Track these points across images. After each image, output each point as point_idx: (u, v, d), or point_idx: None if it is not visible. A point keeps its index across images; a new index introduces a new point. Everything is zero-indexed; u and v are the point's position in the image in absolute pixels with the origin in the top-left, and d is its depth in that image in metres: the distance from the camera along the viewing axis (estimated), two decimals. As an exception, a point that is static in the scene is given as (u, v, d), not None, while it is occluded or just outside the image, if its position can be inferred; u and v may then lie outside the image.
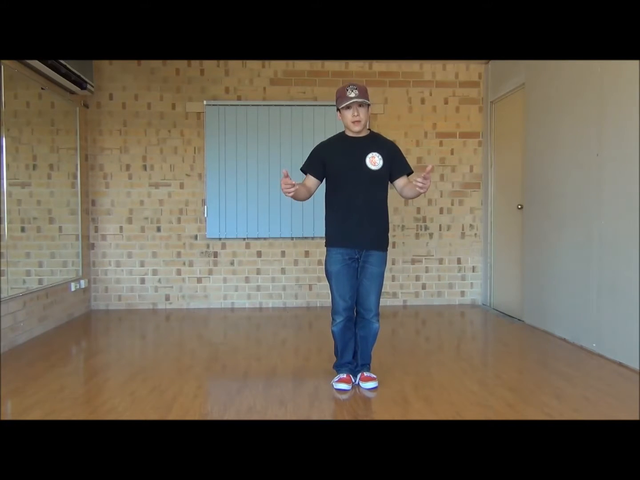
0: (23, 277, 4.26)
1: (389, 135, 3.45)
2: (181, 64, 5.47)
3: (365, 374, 3.00)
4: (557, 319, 4.16)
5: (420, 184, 2.70)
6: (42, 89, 4.42)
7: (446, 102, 5.68)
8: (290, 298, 5.62)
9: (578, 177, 3.88)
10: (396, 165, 2.94)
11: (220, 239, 5.53)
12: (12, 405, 2.71)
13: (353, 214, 2.87)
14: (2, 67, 3.77)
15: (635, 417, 2.49)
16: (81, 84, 4.81)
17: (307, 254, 5.60)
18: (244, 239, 5.55)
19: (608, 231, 3.54)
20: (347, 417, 2.54)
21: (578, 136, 3.88)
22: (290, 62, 5.54)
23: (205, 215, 5.47)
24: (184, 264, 5.53)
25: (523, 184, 4.79)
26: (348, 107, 2.84)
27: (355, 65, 5.61)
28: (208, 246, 5.55)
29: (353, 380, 2.98)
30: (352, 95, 2.80)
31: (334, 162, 2.91)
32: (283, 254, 5.60)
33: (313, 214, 5.26)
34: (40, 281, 4.45)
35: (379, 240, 2.94)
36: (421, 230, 5.70)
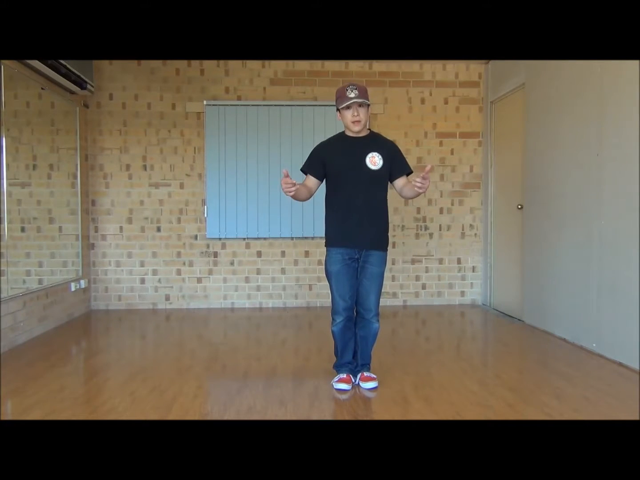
0: (23, 277, 4.26)
1: (389, 135, 3.45)
2: (181, 64, 5.47)
3: (365, 374, 3.00)
4: (557, 319, 4.16)
5: (419, 184, 2.70)
6: (42, 89, 4.42)
7: (446, 102, 5.68)
8: (290, 298, 5.62)
9: (578, 177, 3.88)
10: (396, 165, 2.94)
11: (220, 239, 5.53)
12: (12, 405, 2.71)
13: (353, 214, 2.87)
14: (2, 67, 3.77)
15: (635, 417, 2.49)
16: (81, 84, 4.81)
17: (307, 254, 5.60)
18: (244, 239, 5.55)
19: (608, 231, 3.54)
20: (347, 417, 2.54)
21: (578, 136, 3.88)
22: (290, 62, 5.54)
23: (205, 215, 5.47)
24: (184, 264, 5.53)
25: (523, 184, 4.79)
26: (348, 107, 2.84)
27: (355, 65, 5.61)
28: (208, 246, 5.55)
29: (353, 380, 2.98)
30: (352, 95, 2.80)
31: (334, 162, 2.91)
32: (283, 254, 5.60)
33: (313, 214, 5.26)
34: (40, 281, 4.46)
35: (379, 240, 2.94)
36: (421, 230, 5.70)
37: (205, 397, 2.90)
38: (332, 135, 3.07)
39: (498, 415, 2.54)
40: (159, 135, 5.47)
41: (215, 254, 5.55)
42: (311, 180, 2.95)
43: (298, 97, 5.54)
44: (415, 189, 2.74)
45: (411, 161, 3.48)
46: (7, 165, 3.88)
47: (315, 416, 2.56)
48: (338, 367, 3.03)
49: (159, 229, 5.51)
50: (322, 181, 2.99)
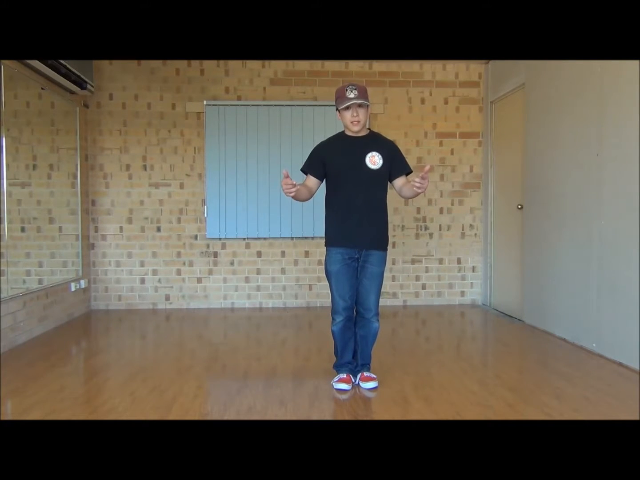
0: (23, 277, 4.26)
1: (389, 135, 3.45)
2: (181, 64, 5.47)
3: (365, 374, 3.00)
4: (557, 319, 4.16)
5: (418, 184, 2.70)
6: (42, 89, 4.42)
7: (446, 102, 5.68)
8: (290, 298, 5.62)
9: (578, 177, 3.88)
10: (395, 164, 2.94)
11: (220, 239, 5.53)
12: (12, 405, 2.71)
13: (353, 214, 2.87)
14: (2, 67, 3.77)
15: (635, 417, 2.49)
16: (81, 84, 4.81)
17: (307, 254, 5.60)
18: (244, 239, 5.55)
19: (608, 231, 3.54)
20: (347, 417, 2.54)
21: (578, 136, 3.88)
22: (290, 62, 5.54)
23: (205, 215, 5.47)
24: (184, 264, 5.53)
25: (523, 184, 4.79)
26: (347, 107, 2.84)
27: (355, 65, 5.61)
28: (208, 246, 5.55)
29: (353, 380, 2.98)
30: (352, 96, 2.80)
31: (333, 161, 2.91)
32: (283, 254, 5.60)
33: (313, 214, 5.26)
34: (40, 281, 4.46)
35: (379, 239, 2.94)
36: (421, 230, 5.70)
37: (205, 397, 2.90)
38: (332, 135, 3.08)
39: (498, 415, 2.54)
40: (159, 135, 5.47)
41: (215, 254, 5.55)
42: (311, 180, 2.95)
43: (298, 97, 5.54)
44: (415, 188, 2.75)
45: (411, 161, 3.48)
46: (7, 165, 3.88)
47: (315, 416, 2.56)
48: (338, 367, 3.03)
49: (159, 229, 5.51)
50: (322, 181, 2.98)
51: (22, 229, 4.20)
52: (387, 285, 5.56)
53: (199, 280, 5.55)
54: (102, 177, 5.45)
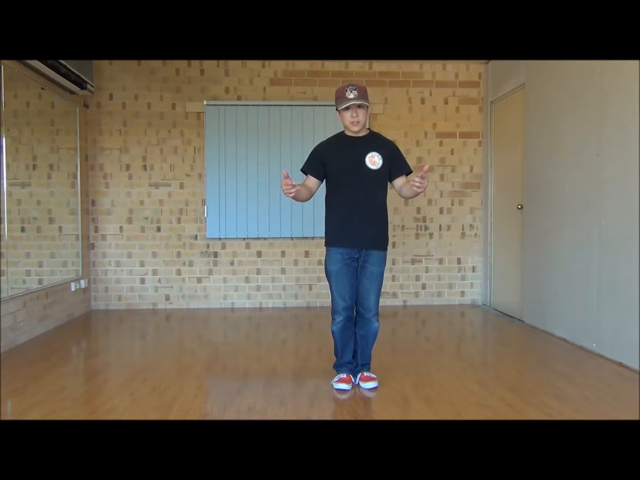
0: (23, 277, 4.26)
1: (389, 135, 3.45)
2: (181, 64, 5.47)
3: (365, 374, 3.00)
4: (557, 319, 4.16)
5: (417, 184, 2.70)
6: (42, 89, 4.42)
7: (446, 102, 5.68)
8: (290, 298, 5.62)
9: (578, 177, 3.88)
10: (395, 164, 2.94)
11: (220, 239, 5.53)
12: (12, 405, 2.71)
13: (353, 214, 2.87)
14: (2, 67, 3.77)
15: (635, 417, 2.49)
16: (81, 84, 4.81)
17: (307, 254, 5.60)
18: (244, 239, 5.55)
19: (608, 231, 3.54)
20: (347, 417, 2.54)
21: (578, 136, 3.88)
22: (290, 62, 5.54)
23: (205, 215, 5.47)
24: (184, 264, 5.53)
25: (523, 184, 4.79)
26: (347, 108, 2.84)
27: (355, 65, 5.60)
28: (208, 246, 5.55)
29: (353, 380, 2.98)
30: (351, 96, 2.80)
31: (333, 161, 2.91)
32: (283, 254, 5.60)
33: (313, 214, 5.26)
34: (40, 281, 4.46)
35: (379, 239, 2.94)
36: (421, 230, 5.70)
37: (206, 397, 2.90)
38: (332, 135, 3.08)
39: (498, 415, 2.54)
40: (159, 135, 5.47)
41: (215, 254, 5.55)
42: (311, 181, 2.95)
43: (298, 97, 5.54)
44: (414, 188, 2.75)
45: (411, 161, 3.48)
46: (7, 165, 3.88)
47: (315, 416, 2.56)
48: (338, 367, 3.03)
49: (159, 229, 5.51)
50: (322, 181, 2.98)
51: (22, 229, 4.20)
52: (387, 285, 5.56)
53: (199, 280, 5.55)
54: (102, 177, 5.45)
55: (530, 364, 3.52)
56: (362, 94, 2.83)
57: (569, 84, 4.02)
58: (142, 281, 5.51)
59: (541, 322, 4.43)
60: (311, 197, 2.98)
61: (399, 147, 3.03)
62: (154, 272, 5.51)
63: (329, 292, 2.97)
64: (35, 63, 4.07)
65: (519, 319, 4.85)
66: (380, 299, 2.98)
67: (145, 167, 5.47)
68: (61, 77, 4.48)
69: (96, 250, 5.47)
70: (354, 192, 2.87)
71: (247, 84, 5.53)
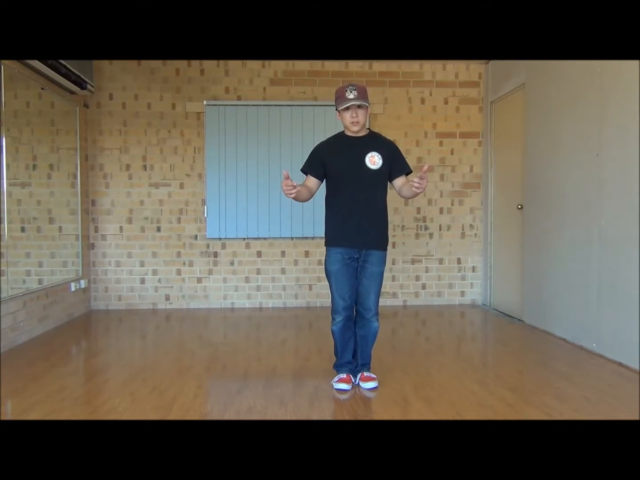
0: (23, 277, 4.26)
1: (389, 135, 3.45)
2: (181, 64, 5.47)
3: (365, 374, 3.00)
4: (557, 319, 4.16)
5: (416, 184, 2.70)
6: (42, 89, 4.42)
7: (446, 102, 5.68)
8: (290, 298, 5.62)
9: (578, 177, 3.88)
10: (395, 164, 2.94)
11: (220, 239, 5.53)
12: (12, 405, 2.71)
13: (353, 214, 2.87)
14: (2, 67, 3.77)
15: (635, 417, 2.49)
16: (81, 84, 4.81)
17: (307, 254, 5.60)
18: (244, 239, 5.55)
19: (608, 231, 3.54)
20: (347, 417, 2.54)
21: (578, 136, 3.88)
22: (290, 62, 5.54)
23: (205, 215, 5.47)
24: (184, 264, 5.53)
25: (523, 184, 4.79)
26: (347, 108, 2.84)
27: (355, 65, 5.61)
28: (208, 246, 5.55)
29: (353, 380, 2.98)
30: (351, 97, 2.80)
31: (333, 161, 2.92)
32: (283, 254, 5.60)
33: (313, 214, 5.26)
34: (40, 281, 4.46)
35: (379, 239, 2.94)
36: (421, 230, 5.70)
37: (206, 397, 2.90)
38: (332, 135, 3.08)
39: (498, 415, 2.54)
40: (159, 135, 5.47)
41: (215, 254, 5.55)
42: (311, 181, 2.95)
43: (298, 97, 5.54)
44: (413, 189, 2.75)
45: (411, 161, 3.48)
46: (7, 165, 3.88)
47: (315, 416, 2.56)
48: (338, 367, 3.03)
49: (159, 229, 5.51)
50: (322, 181, 2.99)
51: (22, 229, 4.20)
52: (387, 285, 5.56)
53: (199, 280, 5.55)
54: (102, 177, 5.45)
55: (530, 364, 3.52)
56: (362, 94, 2.83)
57: (569, 84, 4.02)
58: (142, 281, 5.51)
59: (541, 322, 4.43)
60: (311, 197, 2.98)
61: (399, 147, 3.03)
62: (154, 272, 5.51)
63: (329, 292, 2.97)
64: (35, 63, 4.07)
65: (519, 319, 4.85)
66: (380, 299, 2.98)
67: (145, 167, 5.47)
68: (61, 77, 4.48)
69: (96, 250, 5.47)
70: (354, 192, 2.87)
71: (247, 84, 5.53)
